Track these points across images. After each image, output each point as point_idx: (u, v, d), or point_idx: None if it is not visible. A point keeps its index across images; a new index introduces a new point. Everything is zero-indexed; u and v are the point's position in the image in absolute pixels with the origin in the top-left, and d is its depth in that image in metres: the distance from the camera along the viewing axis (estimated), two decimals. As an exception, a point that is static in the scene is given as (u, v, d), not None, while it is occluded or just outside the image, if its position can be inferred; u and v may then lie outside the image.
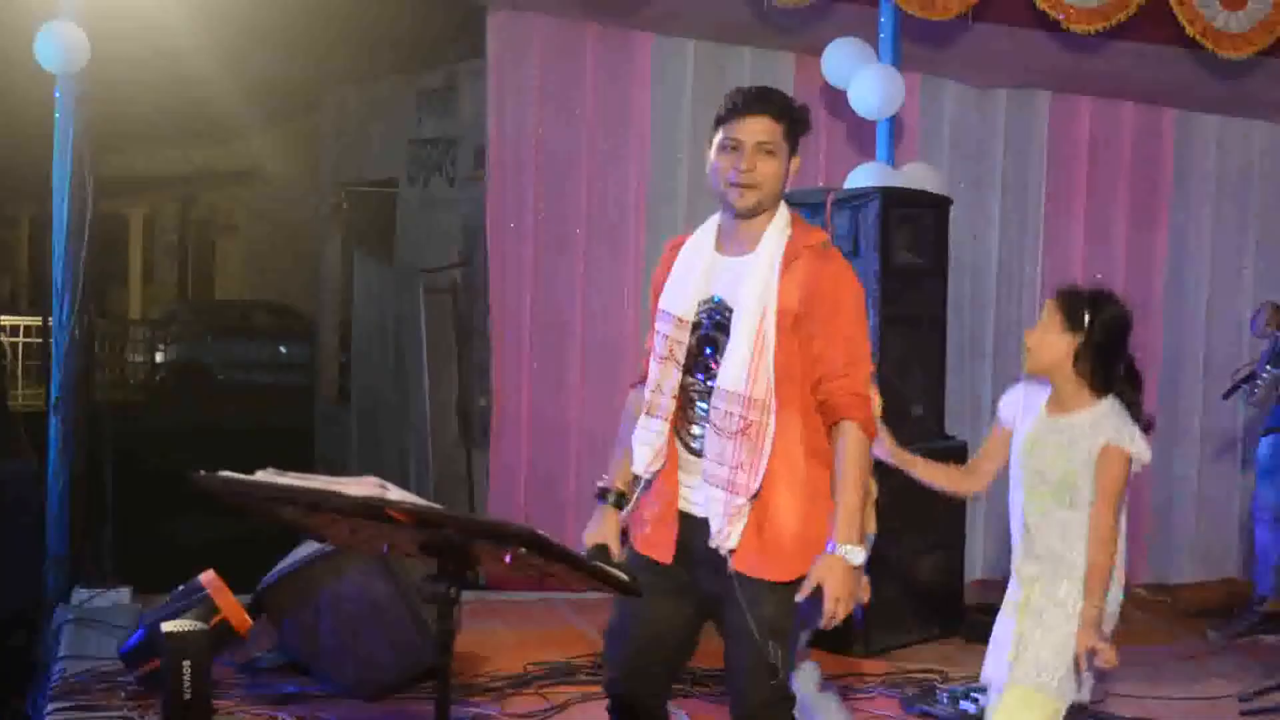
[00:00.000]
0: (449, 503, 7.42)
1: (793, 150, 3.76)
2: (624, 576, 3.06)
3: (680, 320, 3.84)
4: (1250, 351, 8.13)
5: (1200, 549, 9.14)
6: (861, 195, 6.87)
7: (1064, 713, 3.98)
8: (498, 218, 7.96)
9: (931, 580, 7.00)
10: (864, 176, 7.17)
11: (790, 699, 3.80)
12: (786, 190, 3.78)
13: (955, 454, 6.39)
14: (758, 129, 3.69)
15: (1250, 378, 7.36)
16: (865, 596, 4.03)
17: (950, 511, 6.76)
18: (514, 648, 6.51)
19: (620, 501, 3.95)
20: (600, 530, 3.94)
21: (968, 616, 6.98)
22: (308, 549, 5.71)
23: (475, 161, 10.32)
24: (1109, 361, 4.05)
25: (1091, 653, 3.86)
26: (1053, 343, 4.03)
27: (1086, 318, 4.00)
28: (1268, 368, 7.27)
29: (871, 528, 4.75)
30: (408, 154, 13.25)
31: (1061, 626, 3.97)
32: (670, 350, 3.84)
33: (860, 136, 7.85)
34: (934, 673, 6.35)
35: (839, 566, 3.56)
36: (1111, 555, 3.97)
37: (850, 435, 3.65)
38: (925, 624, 6.99)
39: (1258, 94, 8.67)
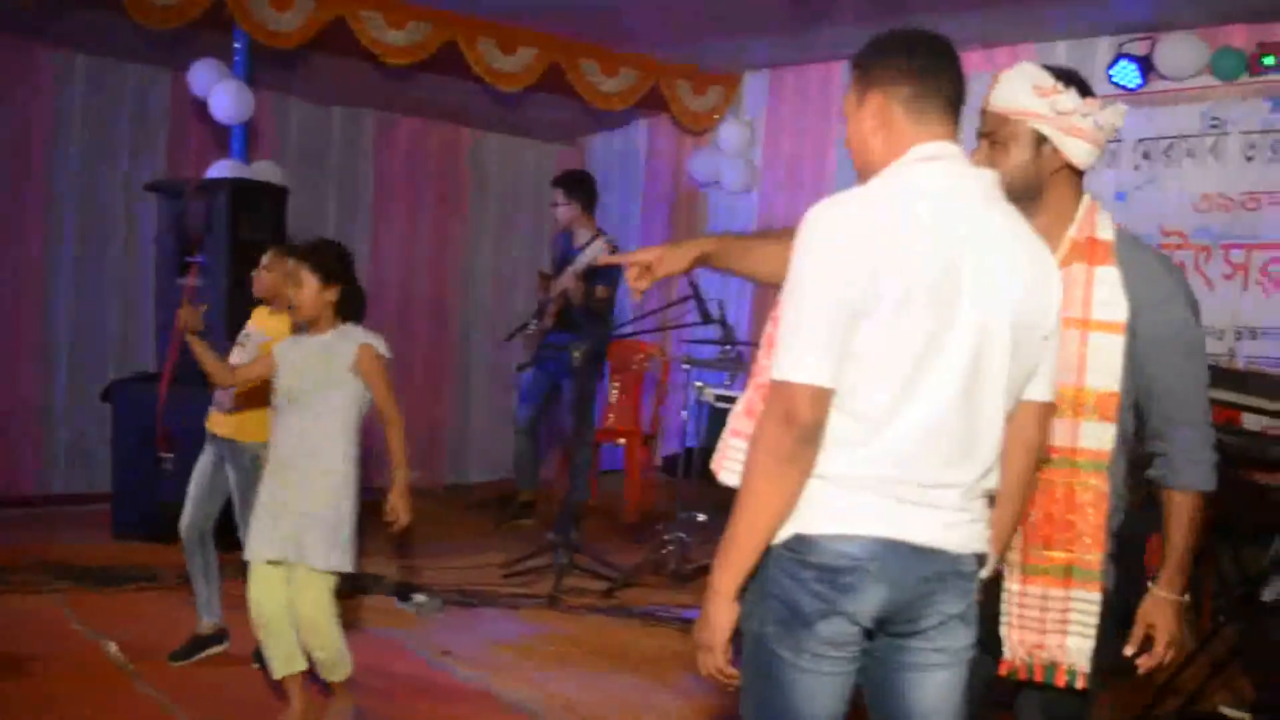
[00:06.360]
0: None
1: None
2: None
3: None
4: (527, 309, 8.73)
5: (487, 455, 9.66)
6: (216, 184, 7.01)
7: (338, 579, 4.19)
8: None
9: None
10: (221, 170, 7.28)
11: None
12: None
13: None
14: None
15: (524, 326, 8.00)
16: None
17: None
18: None
19: None
20: None
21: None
22: None
23: None
24: (356, 296, 4.30)
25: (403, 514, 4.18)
26: (317, 298, 4.19)
27: (336, 271, 4.22)
28: (534, 320, 7.94)
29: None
30: None
31: (326, 514, 4.13)
32: None
33: (223, 138, 7.88)
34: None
35: None
36: (400, 427, 4.23)
37: None
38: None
39: (533, 119, 9.33)
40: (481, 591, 6.33)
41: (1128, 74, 7.09)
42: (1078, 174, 2.82)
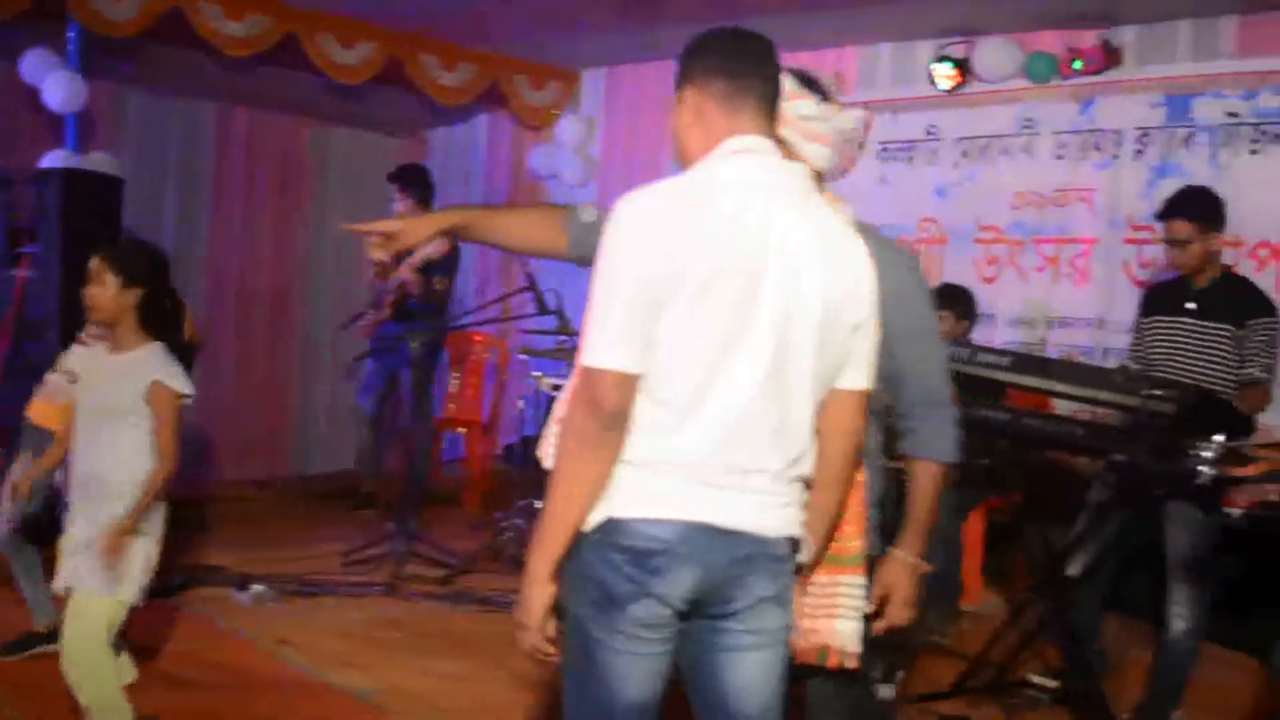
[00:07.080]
0: None
1: None
2: None
3: None
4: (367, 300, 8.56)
5: (330, 446, 9.45)
6: (48, 175, 6.80)
7: (127, 610, 3.79)
8: None
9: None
10: (54, 160, 7.03)
11: None
12: None
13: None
14: None
15: (359, 315, 7.91)
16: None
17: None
18: None
19: None
20: None
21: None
22: None
23: None
24: (161, 306, 3.90)
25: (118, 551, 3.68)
26: (116, 299, 3.80)
27: (141, 274, 3.84)
28: (371, 310, 7.85)
29: None
30: None
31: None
32: None
33: (58, 129, 7.59)
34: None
35: None
36: (169, 472, 3.76)
37: None
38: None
39: (374, 112, 9.17)
40: (321, 580, 6.21)
41: (946, 76, 7.24)
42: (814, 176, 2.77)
